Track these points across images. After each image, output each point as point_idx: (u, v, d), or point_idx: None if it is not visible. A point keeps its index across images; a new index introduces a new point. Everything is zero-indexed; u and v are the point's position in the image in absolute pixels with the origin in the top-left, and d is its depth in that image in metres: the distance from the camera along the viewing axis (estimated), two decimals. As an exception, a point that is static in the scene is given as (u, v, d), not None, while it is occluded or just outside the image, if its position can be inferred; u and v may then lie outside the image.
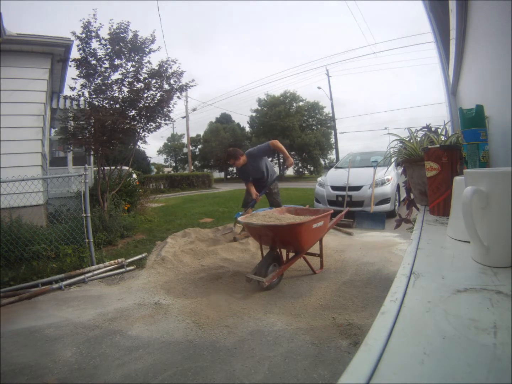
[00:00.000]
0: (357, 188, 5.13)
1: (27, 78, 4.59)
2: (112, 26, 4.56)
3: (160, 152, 35.33)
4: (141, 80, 4.85)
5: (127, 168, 5.89)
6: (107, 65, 4.68)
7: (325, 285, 2.43)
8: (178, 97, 5.34)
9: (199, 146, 31.86)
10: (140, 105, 4.87)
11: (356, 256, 3.13)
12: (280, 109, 24.78)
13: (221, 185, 19.29)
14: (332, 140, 25.22)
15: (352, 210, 4.97)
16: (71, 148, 5.17)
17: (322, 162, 26.93)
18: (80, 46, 4.51)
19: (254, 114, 27.64)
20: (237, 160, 3.83)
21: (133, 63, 4.79)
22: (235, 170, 32.22)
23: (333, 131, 23.52)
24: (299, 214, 2.92)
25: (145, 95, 4.90)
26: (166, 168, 32.03)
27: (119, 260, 3.13)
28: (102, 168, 4.99)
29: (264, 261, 2.42)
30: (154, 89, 4.94)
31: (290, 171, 29.76)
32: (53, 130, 6.58)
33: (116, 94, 4.80)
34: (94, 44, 4.56)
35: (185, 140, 28.57)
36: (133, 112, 4.93)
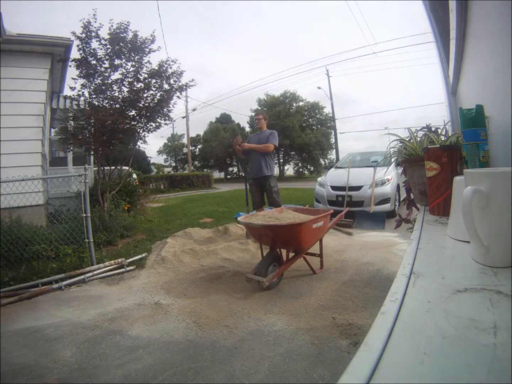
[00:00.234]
0: (357, 188, 5.13)
1: (27, 78, 4.59)
2: (112, 26, 4.56)
3: (160, 152, 35.35)
4: (141, 80, 4.85)
5: (127, 168, 5.89)
6: (107, 65, 4.68)
7: (325, 285, 2.43)
8: (178, 97, 5.35)
9: (199, 146, 31.87)
10: (140, 105, 4.87)
11: (356, 256, 3.13)
12: (280, 109, 24.78)
13: (221, 185, 19.30)
14: (332, 140, 25.23)
15: (352, 210, 4.97)
16: (71, 148, 5.17)
17: (322, 162, 26.94)
18: (80, 46, 4.51)
19: (254, 114, 27.64)
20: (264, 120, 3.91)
21: (133, 63, 4.79)
22: (235, 170, 32.29)
23: (333, 131, 23.52)
24: (299, 214, 2.91)
25: (145, 95, 4.90)
26: (166, 168, 32.04)
27: (119, 260, 3.13)
28: (102, 168, 4.99)
29: (264, 261, 2.42)
30: (154, 89, 4.94)
31: (290, 171, 29.79)
32: (53, 130, 6.58)
33: (116, 94, 4.80)
34: (94, 44, 4.56)
35: (185, 140, 28.57)
36: (133, 112, 4.93)
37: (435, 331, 0.29)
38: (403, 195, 4.91)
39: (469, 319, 0.31)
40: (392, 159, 1.25)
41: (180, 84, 5.11)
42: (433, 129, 1.13)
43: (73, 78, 4.69)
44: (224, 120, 30.39)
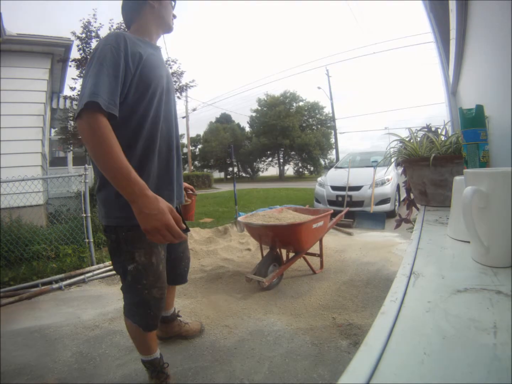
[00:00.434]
0: (357, 188, 5.13)
1: (27, 78, 4.60)
2: (112, 26, 4.57)
3: (160, 152, 35.26)
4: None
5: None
6: (107, 65, 4.68)
7: (325, 285, 2.43)
8: (178, 97, 5.35)
9: (199, 146, 31.88)
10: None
11: (356, 256, 3.13)
12: (280, 109, 24.80)
13: (221, 185, 19.30)
14: (332, 140, 25.23)
15: (352, 210, 4.97)
16: (71, 148, 5.18)
17: (322, 162, 26.95)
18: (80, 46, 4.53)
19: (254, 114, 27.67)
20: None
21: (133, 63, 4.79)
22: (235, 170, 32.32)
23: (333, 131, 23.53)
24: (299, 214, 2.91)
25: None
26: (166, 168, 31.94)
27: (119, 260, 3.13)
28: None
29: (264, 261, 2.42)
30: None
31: (290, 171, 29.81)
32: (53, 130, 6.58)
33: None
34: (94, 44, 4.57)
35: (185, 140, 28.56)
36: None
37: (435, 331, 0.29)
38: (403, 195, 4.91)
39: (469, 319, 0.31)
40: (392, 159, 1.25)
41: (180, 84, 5.12)
42: (433, 129, 1.13)
43: (73, 78, 4.70)
44: (224, 120, 30.40)
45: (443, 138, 1.05)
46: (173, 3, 1.20)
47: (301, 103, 26.51)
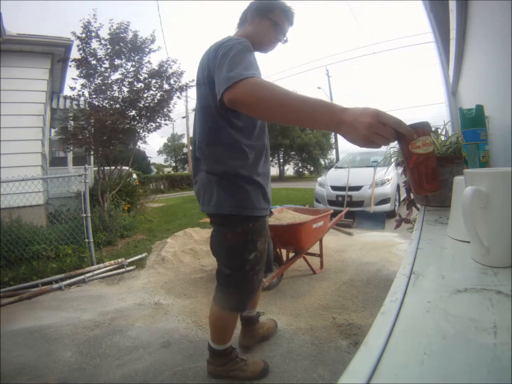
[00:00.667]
0: (357, 188, 5.13)
1: (27, 78, 4.59)
2: (112, 26, 4.56)
3: (160, 152, 35.33)
4: (141, 80, 4.85)
5: (127, 168, 5.89)
6: (107, 65, 4.68)
7: (325, 285, 2.43)
8: (178, 97, 5.35)
9: (199, 146, 31.78)
10: (140, 105, 4.87)
11: (356, 256, 3.13)
12: (280, 109, 24.75)
13: (221, 185, 19.25)
14: (332, 140, 25.22)
15: (352, 210, 4.97)
16: (71, 148, 5.18)
17: (322, 162, 26.93)
18: (80, 46, 4.52)
19: (254, 114, 27.63)
20: None
21: (133, 63, 4.79)
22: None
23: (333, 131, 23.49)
24: (299, 214, 2.91)
25: (145, 95, 4.90)
26: (166, 168, 32.03)
27: (119, 260, 3.13)
28: (102, 168, 4.99)
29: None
30: (154, 89, 4.94)
31: (290, 171, 29.79)
32: (53, 130, 6.58)
33: (116, 94, 4.80)
34: (94, 44, 4.57)
35: (185, 140, 28.56)
36: (133, 112, 4.93)
37: (435, 331, 0.29)
38: (403, 195, 4.91)
39: (469, 319, 0.31)
40: (392, 159, 1.24)
41: (180, 84, 5.11)
42: (433, 129, 1.13)
43: (73, 78, 4.69)
44: (224, 120, 30.33)
45: (443, 138, 1.05)
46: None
47: (301, 103, 26.45)
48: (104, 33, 4.57)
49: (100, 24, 4.52)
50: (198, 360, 1.55)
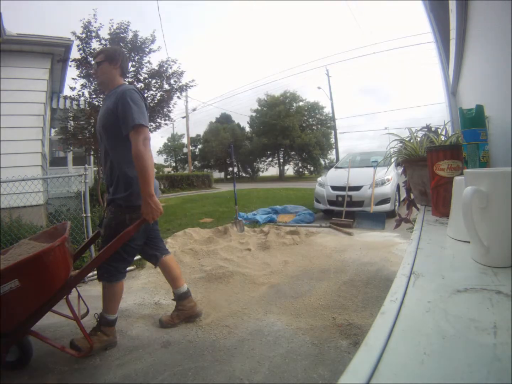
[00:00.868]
0: (357, 188, 5.13)
1: (27, 78, 4.60)
2: (112, 26, 4.57)
3: (160, 152, 35.33)
4: (141, 80, 4.85)
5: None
6: (107, 65, 4.68)
7: (325, 285, 2.43)
8: (178, 97, 5.36)
9: (199, 146, 31.88)
10: (140, 105, 4.87)
11: (356, 256, 3.13)
12: (280, 109, 24.78)
13: (221, 185, 19.30)
14: (332, 140, 25.23)
15: (352, 210, 4.97)
16: (71, 148, 5.18)
17: (322, 162, 26.94)
18: (80, 46, 4.52)
19: (254, 114, 27.66)
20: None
21: (133, 63, 4.80)
22: (235, 170, 32.46)
23: (333, 131, 23.54)
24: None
25: (145, 95, 4.90)
26: (166, 168, 32.02)
27: (119, 260, 3.13)
28: (102, 168, 4.99)
29: None
30: (154, 89, 4.95)
31: (290, 171, 29.81)
32: (53, 130, 6.58)
33: (116, 94, 4.80)
34: (94, 44, 4.58)
35: (185, 140, 28.56)
36: (133, 112, 4.92)
37: (435, 331, 0.29)
38: (403, 195, 4.92)
39: (469, 319, 0.31)
40: (392, 159, 1.25)
41: (180, 84, 5.12)
42: (433, 129, 1.13)
43: (73, 78, 4.70)
44: (224, 120, 30.39)
45: (443, 138, 1.05)
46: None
47: (301, 103, 26.51)
48: (104, 33, 4.58)
49: (100, 24, 4.52)
50: (198, 360, 1.55)
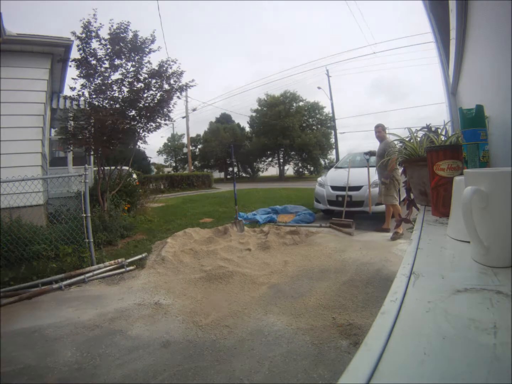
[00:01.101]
0: (357, 188, 5.13)
1: (27, 78, 4.59)
2: (112, 26, 4.56)
3: (160, 152, 35.33)
4: (141, 80, 4.85)
5: (127, 168, 5.89)
6: (107, 65, 4.68)
7: (325, 285, 2.43)
8: (178, 97, 5.35)
9: (199, 146, 31.88)
10: (140, 105, 4.88)
11: (356, 256, 3.13)
12: (280, 109, 24.78)
13: (221, 185, 19.29)
14: (332, 140, 25.23)
15: (352, 210, 4.96)
16: (71, 148, 5.18)
17: (322, 162, 26.94)
18: (80, 46, 4.52)
19: (254, 114, 27.65)
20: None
21: (133, 63, 4.80)
22: (235, 170, 32.44)
23: (333, 131, 23.54)
24: None
25: (145, 95, 4.90)
26: (166, 168, 32.02)
27: (119, 260, 3.13)
28: (102, 168, 4.99)
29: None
30: (154, 89, 4.95)
31: (290, 171, 29.82)
32: (53, 130, 6.58)
33: (116, 94, 4.81)
34: (94, 44, 4.57)
35: (185, 140, 28.56)
36: (133, 112, 4.93)
37: (435, 331, 0.29)
38: (403, 195, 4.91)
39: (469, 319, 0.31)
40: (392, 159, 1.24)
41: (180, 84, 5.11)
42: (433, 129, 1.13)
43: (73, 78, 4.70)
44: (224, 120, 30.39)
45: (443, 138, 1.05)
46: None
47: (301, 103, 26.50)
48: (104, 33, 4.57)
49: (100, 24, 4.52)
50: (198, 360, 1.55)
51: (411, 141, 1.09)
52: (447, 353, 0.26)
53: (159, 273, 2.96)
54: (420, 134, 1.12)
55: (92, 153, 5.13)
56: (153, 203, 7.37)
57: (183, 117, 22.18)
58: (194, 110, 23.17)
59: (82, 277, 2.81)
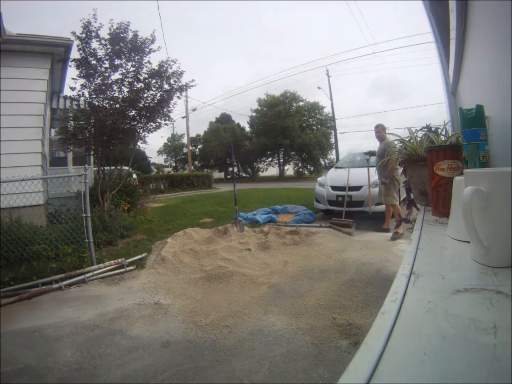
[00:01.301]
0: (357, 188, 5.13)
1: (27, 78, 4.59)
2: (112, 26, 4.56)
3: (160, 152, 35.32)
4: (141, 80, 4.85)
5: (127, 168, 5.88)
6: (107, 65, 4.68)
7: (325, 285, 2.43)
8: (178, 97, 5.35)
9: (199, 146, 31.88)
10: (140, 105, 4.88)
11: (356, 256, 3.13)
12: (280, 109, 24.78)
13: (221, 185, 19.29)
14: (332, 140, 25.23)
15: (352, 210, 4.96)
16: (71, 148, 5.18)
17: (322, 162, 26.94)
18: (80, 46, 4.52)
19: (254, 114, 27.65)
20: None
21: (133, 63, 4.80)
22: (235, 170, 32.42)
23: (333, 131, 23.54)
24: None
25: (145, 95, 4.90)
26: (166, 168, 32.01)
27: (119, 260, 3.13)
28: (102, 168, 4.99)
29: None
30: (154, 89, 4.94)
31: (290, 171, 29.83)
32: (53, 130, 6.57)
33: (116, 94, 4.81)
34: (94, 44, 4.57)
35: (185, 140, 28.56)
36: (133, 112, 4.93)
37: (435, 331, 0.29)
38: (403, 195, 4.91)
39: (469, 319, 0.31)
40: (392, 159, 1.24)
41: (180, 84, 5.11)
42: (433, 129, 1.13)
43: (73, 78, 4.69)
44: (224, 120, 30.39)
45: (443, 138, 1.05)
46: None
47: (301, 103, 26.50)
48: (104, 33, 4.57)
49: (100, 24, 4.52)
50: (198, 360, 1.55)
51: (411, 141, 1.09)
52: (447, 353, 0.26)
53: (159, 273, 2.96)
54: (420, 134, 1.12)
55: (92, 153, 5.12)
56: (153, 203, 7.37)
57: (183, 117, 22.19)
58: (194, 110, 23.18)
59: (82, 277, 2.81)
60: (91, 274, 2.88)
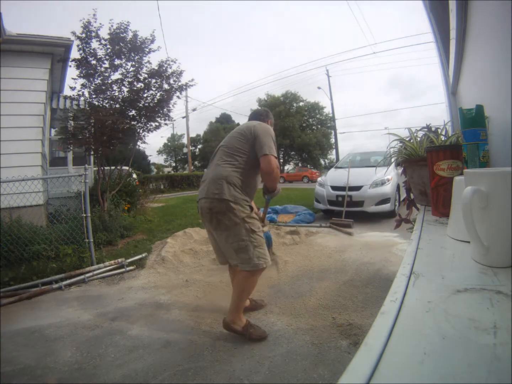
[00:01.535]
0: (357, 188, 5.13)
1: (27, 78, 4.59)
2: (112, 26, 4.56)
3: (160, 152, 35.32)
4: (141, 80, 4.85)
5: (127, 168, 5.88)
6: (107, 65, 4.68)
7: (325, 285, 2.43)
8: (178, 97, 5.35)
9: (199, 146, 31.90)
10: (140, 105, 4.87)
11: (356, 256, 3.13)
12: (280, 109, 24.79)
13: (221, 185, 19.27)
14: (332, 140, 25.24)
15: (352, 210, 4.97)
16: (71, 148, 5.18)
17: (322, 162, 26.96)
18: (80, 46, 4.52)
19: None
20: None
21: (133, 63, 4.79)
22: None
23: (333, 131, 23.55)
24: None
25: (145, 95, 4.90)
26: (166, 168, 32.01)
27: (119, 260, 3.13)
28: (102, 168, 4.99)
29: None
30: (154, 89, 4.94)
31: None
32: (53, 130, 6.57)
33: (116, 94, 4.80)
34: (94, 44, 4.57)
35: (185, 140, 28.56)
36: (133, 112, 4.93)
37: (435, 331, 0.29)
38: (403, 195, 4.91)
39: (469, 319, 0.31)
40: (392, 159, 1.24)
41: (180, 84, 5.11)
42: (433, 129, 1.13)
43: (73, 78, 4.69)
44: (224, 120, 30.41)
45: (443, 138, 1.05)
46: None
47: (301, 103, 26.51)
48: (104, 33, 4.57)
49: (100, 24, 4.52)
50: (198, 360, 1.55)
51: (411, 141, 1.09)
52: (447, 353, 0.26)
53: (159, 273, 2.96)
54: (420, 134, 1.12)
55: (92, 153, 5.12)
56: (153, 203, 7.37)
57: (183, 117, 22.20)
58: (194, 110, 23.19)
59: (82, 277, 2.81)
60: (91, 274, 2.88)
